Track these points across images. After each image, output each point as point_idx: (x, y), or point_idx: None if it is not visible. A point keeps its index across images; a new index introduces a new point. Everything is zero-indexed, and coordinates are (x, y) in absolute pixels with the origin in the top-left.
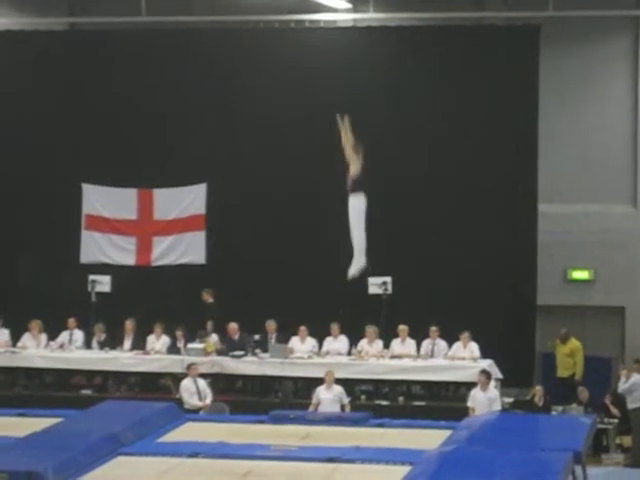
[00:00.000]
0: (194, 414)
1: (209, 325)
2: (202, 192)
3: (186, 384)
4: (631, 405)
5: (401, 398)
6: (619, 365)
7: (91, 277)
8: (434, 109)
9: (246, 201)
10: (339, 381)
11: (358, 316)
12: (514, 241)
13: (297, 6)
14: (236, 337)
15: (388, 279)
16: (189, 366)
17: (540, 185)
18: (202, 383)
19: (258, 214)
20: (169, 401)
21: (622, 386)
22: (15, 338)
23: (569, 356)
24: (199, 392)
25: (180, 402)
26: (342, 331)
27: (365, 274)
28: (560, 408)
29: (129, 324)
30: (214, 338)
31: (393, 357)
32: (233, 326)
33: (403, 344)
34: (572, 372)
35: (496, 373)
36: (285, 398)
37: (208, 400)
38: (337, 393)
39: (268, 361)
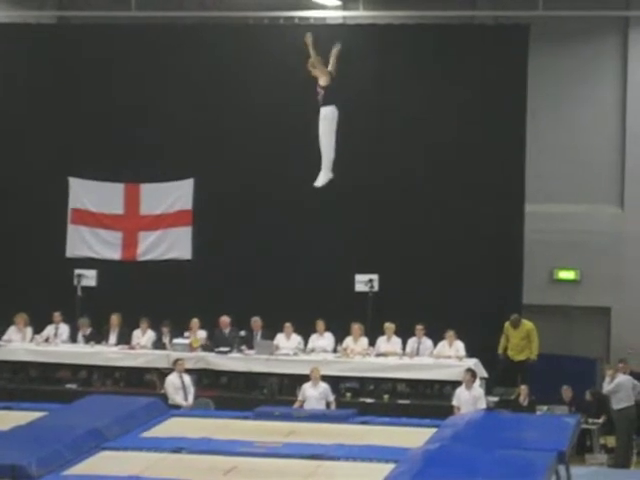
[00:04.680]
0: (178, 409)
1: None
2: (189, 188)
3: (172, 379)
4: (616, 406)
5: (386, 396)
6: (604, 365)
7: (77, 271)
8: (422, 107)
9: (233, 197)
10: (324, 378)
11: (344, 313)
12: (500, 241)
13: (287, 3)
14: (227, 330)
15: (374, 277)
16: (175, 361)
17: (527, 185)
18: (187, 379)
19: (245, 210)
20: (154, 396)
21: (607, 387)
22: (0, 331)
23: (524, 339)
24: (184, 388)
25: (165, 397)
26: (328, 328)
27: (351, 270)
28: (545, 408)
29: (115, 318)
30: (201, 333)
31: (378, 355)
32: (225, 319)
33: (389, 342)
34: (527, 355)
35: (481, 372)
36: (270, 395)
37: (190, 399)
38: (323, 390)
39: (253, 357)
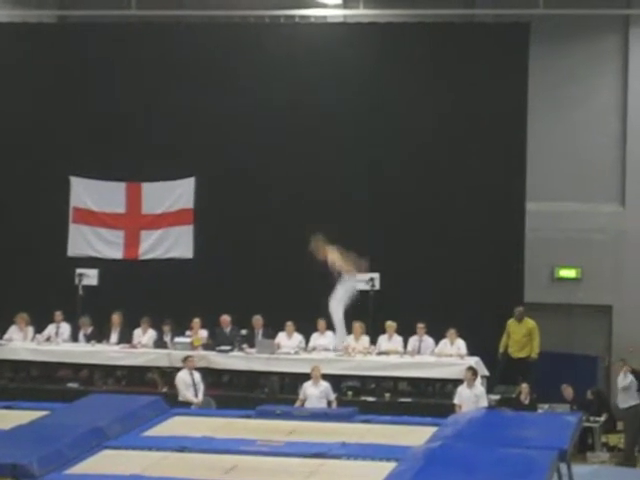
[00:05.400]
0: (182, 408)
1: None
2: (190, 186)
3: (182, 376)
4: (623, 405)
5: (387, 394)
6: (607, 363)
7: (78, 270)
8: (423, 106)
9: (234, 196)
10: (326, 377)
11: (345, 312)
12: (502, 239)
13: (287, 1)
14: (228, 329)
15: (376, 275)
16: (186, 358)
17: (528, 183)
18: (197, 376)
19: (246, 209)
20: (156, 395)
21: (622, 382)
22: (1, 331)
23: (526, 336)
24: (194, 385)
25: (167, 396)
26: (329, 327)
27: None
28: (546, 406)
29: (116, 317)
30: (202, 333)
31: (380, 353)
32: (225, 318)
33: (390, 340)
34: (528, 353)
35: (482, 370)
36: (272, 393)
37: (200, 396)
38: (324, 389)
39: (255, 356)
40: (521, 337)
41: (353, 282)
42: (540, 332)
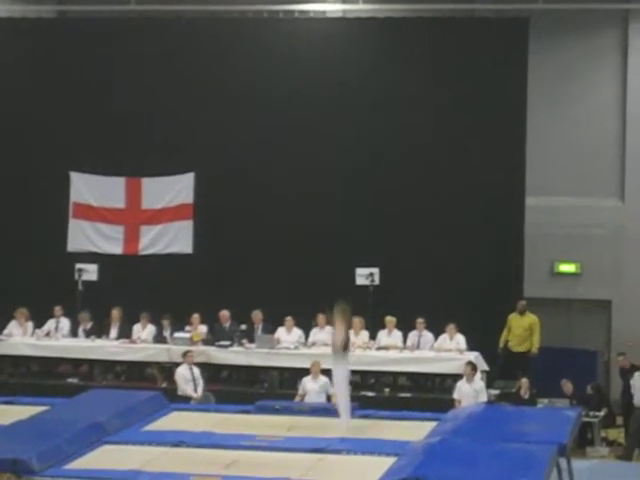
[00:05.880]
0: (182, 403)
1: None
2: (190, 181)
3: (182, 371)
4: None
5: (387, 389)
6: (605, 358)
7: (78, 265)
8: (422, 101)
9: (234, 191)
10: (325, 372)
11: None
12: (501, 234)
13: None
14: (227, 324)
15: (375, 270)
16: (185, 353)
17: (528, 178)
18: (197, 371)
19: (246, 204)
20: (155, 390)
21: (638, 381)
22: (1, 326)
23: (527, 330)
24: (194, 380)
25: (167, 391)
26: (328, 322)
27: (352, 264)
28: (546, 400)
29: (116, 313)
30: (201, 328)
31: (379, 348)
32: (225, 313)
33: (389, 335)
34: (528, 347)
35: (482, 365)
36: (271, 388)
37: (199, 391)
38: (323, 384)
39: (254, 351)
40: (522, 331)
41: (346, 362)
42: (540, 327)
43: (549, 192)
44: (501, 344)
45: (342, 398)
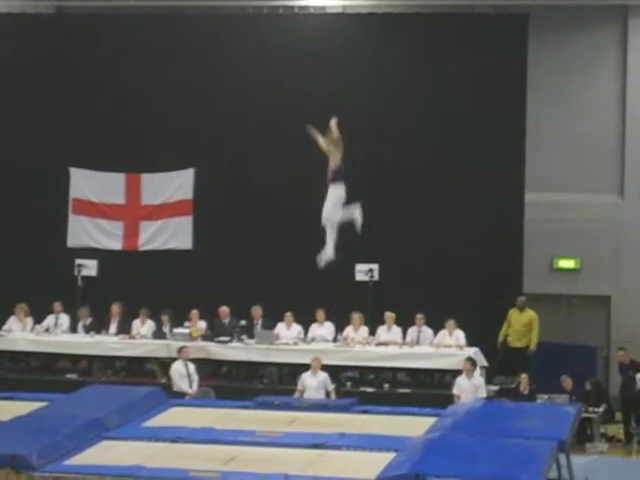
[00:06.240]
0: (180, 399)
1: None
2: (190, 177)
3: (177, 367)
4: None
5: (386, 385)
6: (604, 354)
7: (78, 261)
8: (421, 96)
9: (233, 186)
10: (324, 367)
11: (344, 303)
12: (501, 229)
13: None
14: (226, 320)
15: (375, 266)
16: (180, 349)
17: (527, 174)
18: (192, 367)
19: (245, 200)
20: (155, 386)
21: None
22: (1, 321)
23: (526, 325)
24: (189, 375)
25: (166, 386)
26: (328, 318)
27: (352, 260)
28: (545, 396)
29: (115, 308)
30: (201, 324)
31: (379, 344)
32: (224, 309)
33: (389, 331)
34: (527, 343)
35: (481, 361)
36: (270, 384)
37: (194, 387)
38: (322, 380)
39: (254, 347)
40: (521, 327)
41: (339, 192)
42: (539, 323)
43: (549, 188)
44: (500, 338)
45: (329, 229)
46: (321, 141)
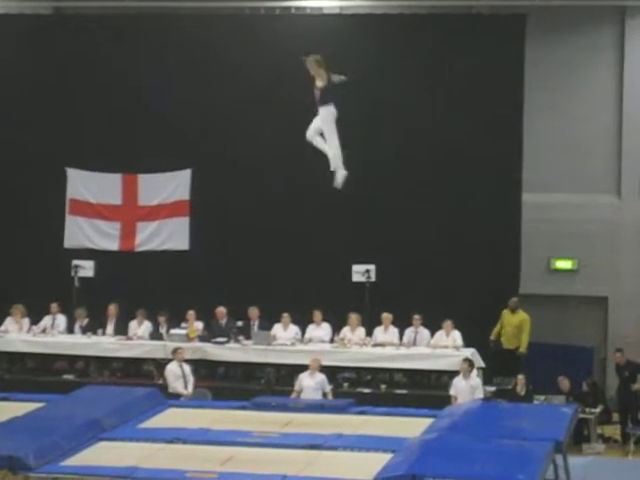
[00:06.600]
0: (176, 400)
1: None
2: (186, 178)
3: (172, 368)
4: None
5: (383, 386)
6: (601, 355)
7: (74, 262)
8: (419, 97)
9: (230, 187)
10: (321, 368)
11: (341, 304)
12: (498, 230)
13: None
14: (223, 321)
15: (371, 267)
16: (175, 350)
17: (524, 174)
18: (187, 368)
19: (242, 201)
20: (152, 387)
21: None
22: None
23: (517, 327)
24: (184, 376)
25: (162, 387)
26: (325, 318)
27: (348, 261)
28: (542, 397)
29: (112, 309)
30: (197, 324)
31: (376, 345)
32: (221, 310)
33: (386, 332)
34: (517, 345)
35: (478, 361)
36: (267, 385)
37: (190, 388)
38: (319, 380)
39: (251, 348)
40: (512, 328)
41: (331, 112)
42: (536, 323)
43: (546, 188)
44: (492, 337)
45: (316, 142)
46: (310, 62)
